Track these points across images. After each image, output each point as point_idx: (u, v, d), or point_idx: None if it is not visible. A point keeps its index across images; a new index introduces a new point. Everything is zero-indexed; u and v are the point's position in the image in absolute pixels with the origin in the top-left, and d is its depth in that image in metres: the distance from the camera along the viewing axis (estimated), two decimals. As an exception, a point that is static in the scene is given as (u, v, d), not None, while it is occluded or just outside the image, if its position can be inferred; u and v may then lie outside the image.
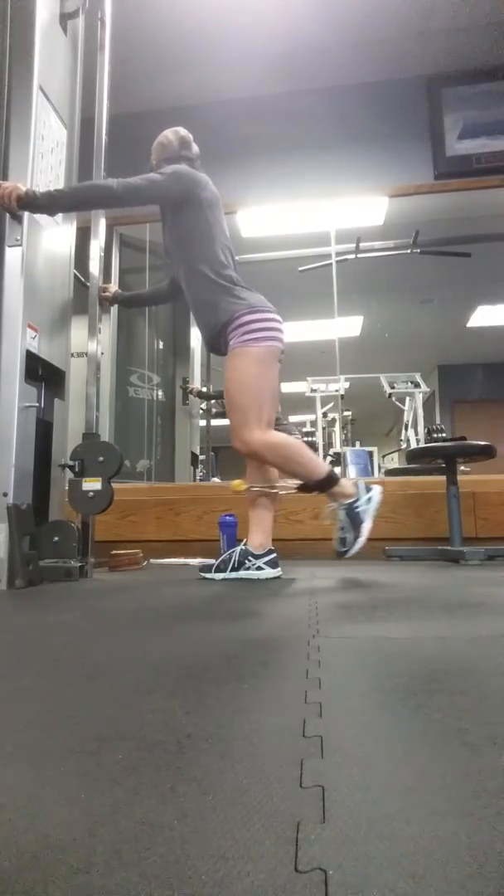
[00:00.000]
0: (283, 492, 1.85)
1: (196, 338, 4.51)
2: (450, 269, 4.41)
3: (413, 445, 4.48)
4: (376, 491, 1.74)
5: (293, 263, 4.12)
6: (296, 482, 1.76)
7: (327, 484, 1.71)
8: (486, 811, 0.32)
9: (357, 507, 1.70)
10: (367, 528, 1.70)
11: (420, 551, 2.50)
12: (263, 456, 1.72)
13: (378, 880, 0.26)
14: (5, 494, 1.66)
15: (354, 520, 1.70)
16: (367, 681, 0.59)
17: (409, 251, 4.17)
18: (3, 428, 1.70)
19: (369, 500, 1.72)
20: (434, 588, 1.44)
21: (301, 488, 1.76)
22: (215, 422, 4.66)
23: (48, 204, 1.70)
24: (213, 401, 4.40)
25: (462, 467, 2.71)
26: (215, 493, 2.90)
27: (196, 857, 0.28)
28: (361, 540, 1.69)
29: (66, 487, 1.93)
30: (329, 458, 5.06)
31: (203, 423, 4.62)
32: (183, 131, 1.97)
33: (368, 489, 1.74)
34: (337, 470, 4.55)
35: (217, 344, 1.83)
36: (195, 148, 1.97)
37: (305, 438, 4.69)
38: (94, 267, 2.10)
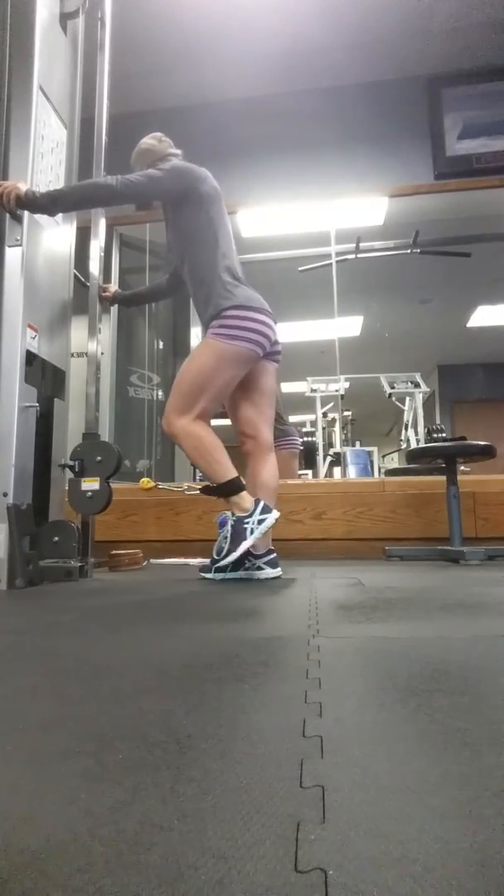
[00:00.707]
0: (189, 493, 1.85)
1: (196, 337, 4.51)
2: (450, 269, 4.42)
3: (413, 445, 4.48)
4: (272, 516, 1.70)
5: (293, 263, 4.12)
6: (199, 485, 1.77)
7: (227, 490, 1.70)
8: (486, 811, 0.32)
9: (245, 524, 1.67)
10: (244, 546, 1.66)
11: (420, 551, 2.50)
12: (180, 442, 1.74)
13: (378, 880, 0.26)
14: (5, 494, 1.66)
15: (237, 534, 1.67)
16: (367, 681, 0.59)
17: (409, 251, 4.17)
18: (3, 428, 1.70)
19: (260, 521, 1.68)
20: (434, 588, 1.44)
21: (204, 490, 1.77)
22: (215, 422, 4.66)
23: (48, 204, 1.70)
24: None
25: (462, 467, 2.72)
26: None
27: (196, 857, 0.28)
28: (234, 555, 1.66)
29: (66, 487, 1.93)
30: (329, 458, 5.06)
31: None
32: (161, 135, 1.97)
33: (267, 511, 1.70)
34: (336, 470, 4.54)
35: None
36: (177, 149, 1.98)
37: (305, 438, 4.69)
38: (94, 267, 2.10)
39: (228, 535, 1.69)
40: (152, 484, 1.86)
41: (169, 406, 1.76)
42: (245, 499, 1.71)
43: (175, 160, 1.88)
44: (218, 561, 1.70)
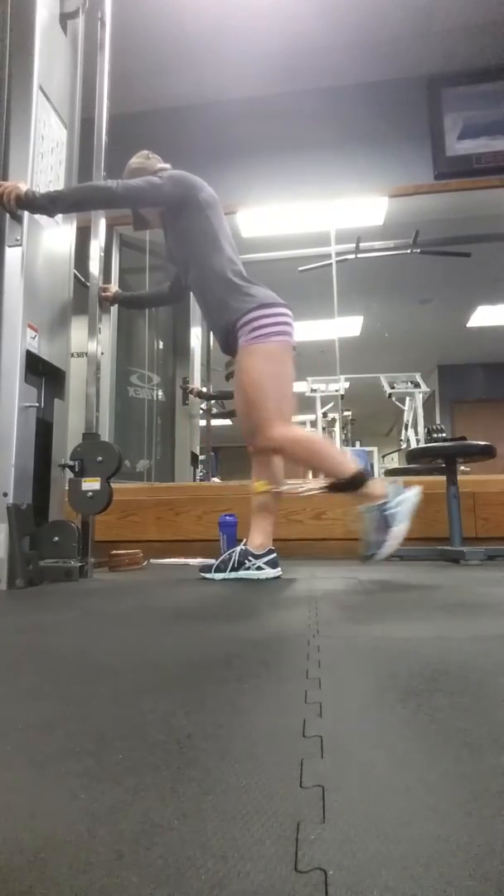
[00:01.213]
0: (309, 493, 1.78)
1: (196, 337, 4.51)
2: (450, 269, 4.42)
3: (413, 445, 4.48)
4: (412, 493, 1.62)
5: (293, 263, 4.12)
6: (322, 482, 1.68)
7: (355, 483, 1.62)
8: (486, 811, 0.32)
9: (387, 510, 1.60)
10: (397, 532, 1.58)
11: (420, 551, 2.50)
12: (290, 451, 1.69)
13: (378, 880, 0.26)
14: (5, 494, 1.66)
15: (384, 522, 1.59)
16: (367, 681, 0.59)
17: (409, 251, 4.17)
18: (3, 428, 1.70)
19: (401, 502, 1.60)
20: (434, 588, 1.44)
21: (329, 488, 1.67)
22: (215, 422, 4.66)
23: (48, 204, 1.70)
24: (213, 401, 4.40)
25: (462, 467, 2.72)
26: (215, 493, 2.90)
27: (196, 857, 0.28)
28: (389, 544, 1.58)
29: (66, 487, 1.93)
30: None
31: (203, 423, 4.62)
32: (148, 152, 1.97)
33: (402, 490, 1.63)
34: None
35: (229, 343, 1.81)
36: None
37: None
38: (94, 267, 2.10)
39: (373, 527, 1.61)
40: (268, 487, 1.80)
41: (258, 423, 1.69)
42: (377, 485, 1.64)
43: (172, 170, 1.88)
44: (371, 556, 1.60)
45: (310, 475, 3.54)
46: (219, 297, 1.77)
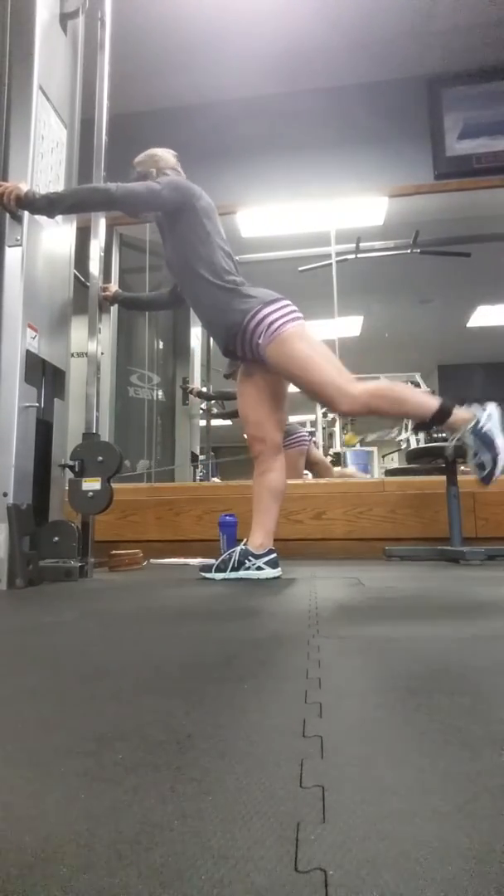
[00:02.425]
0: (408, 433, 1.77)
1: (196, 338, 4.52)
2: (450, 269, 4.41)
3: (413, 445, 4.48)
4: (491, 406, 1.66)
5: (293, 263, 4.12)
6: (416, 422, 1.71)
7: (442, 415, 1.65)
8: (486, 811, 0.32)
9: (482, 427, 1.63)
10: (501, 443, 1.61)
11: (420, 551, 2.50)
12: (373, 408, 1.69)
13: (378, 880, 0.26)
14: (5, 494, 1.66)
15: (485, 440, 1.62)
16: (367, 681, 0.59)
17: (408, 251, 4.17)
18: (3, 428, 1.70)
19: (489, 416, 1.64)
20: (434, 588, 1.44)
21: (418, 427, 1.71)
22: (215, 422, 4.66)
23: (47, 205, 1.70)
24: (213, 401, 4.40)
25: (462, 467, 2.71)
26: (215, 493, 2.90)
27: (196, 857, 0.28)
28: (502, 456, 1.60)
29: (66, 487, 1.93)
30: (329, 458, 5.06)
31: (203, 423, 4.62)
32: (177, 154, 2.00)
33: (484, 409, 1.66)
34: (336, 469, 4.55)
35: (234, 346, 1.80)
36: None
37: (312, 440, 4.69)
38: (94, 267, 2.10)
39: (477, 449, 1.63)
40: (357, 439, 1.83)
41: (331, 399, 1.70)
42: (461, 413, 1.67)
43: (176, 176, 1.88)
44: (491, 472, 1.61)
45: (309, 476, 3.54)
46: (216, 303, 1.77)
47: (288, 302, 1.77)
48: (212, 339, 4.34)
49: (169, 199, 1.79)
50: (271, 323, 1.71)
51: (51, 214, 1.78)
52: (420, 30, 3.35)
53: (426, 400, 1.69)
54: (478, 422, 1.64)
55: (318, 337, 1.77)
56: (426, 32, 3.37)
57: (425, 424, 1.69)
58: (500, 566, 2.09)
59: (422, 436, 4.58)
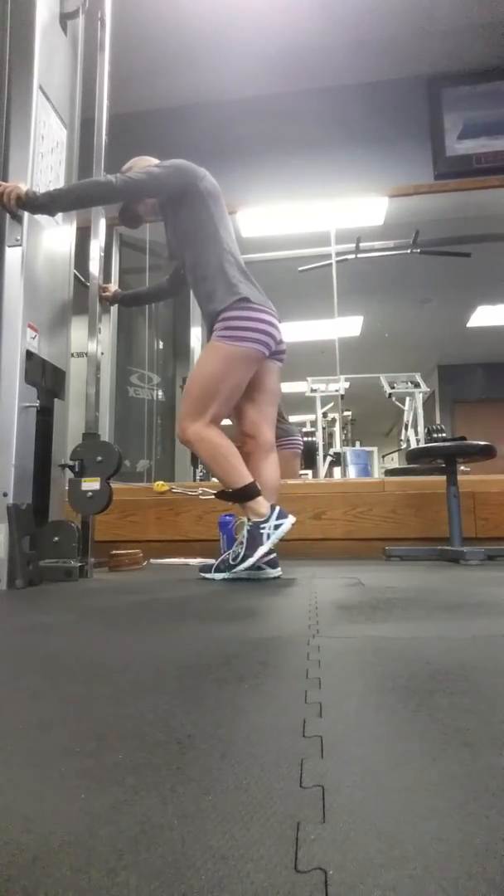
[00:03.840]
0: (203, 497, 1.85)
1: (196, 338, 4.51)
2: (450, 269, 4.42)
3: (413, 445, 4.48)
4: (288, 521, 1.71)
5: (293, 263, 4.12)
6: (212, 489, 1.78)
7: (242, 496, 1.70)
8: (485, 811, 0.32)
9: (261, 529, 1.68)
10: (260, 552, 1.66)
11: (420, 551, 2.50)
12: (195, 448, 1.74)
13: (378, 880, 0.26)
14: (5, 494, 1.66)
15: (253, 539, 1.67)
16: (367, 681, 0.59)
17: (409, 251, 4.17)
18: (3, 428, 1.70)
19: (277, 527, 1.69)
20: (434, 588, 1.44)
21: (219, 494, 1.77)
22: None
23: (48, 203, 1.70)
24: None
25: (462, 467, 2.72)
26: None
27: (196, 857, 0.28)
28: (250, 561, 1.66)
29: (66, 487, 1.93)
30: (329, 458, 5.06)
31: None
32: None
33: (283, 516, 1.71)
34: (336, 470, 4.54)
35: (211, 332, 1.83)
36: None
37: (306, 438, 4.70)
38: (94, 267, 2.10)
39: (245, 540, 1.69)
40: (166, 487, 1.87)
41: (182, 413, 1.75)
42: (261, 504, 1.71)
43: (177, 159, 1.88)
44: (234, 566, 1.69)
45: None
46: (209, 286, 1.77)
47: (263, 316, 1.74)
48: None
49: (172, 182, 1.78)
50: (229, 328, 1.72)
51: (52, 212, 1.78)
52: (420, 30, 3.35)
53: (240, 475, 1.70)
54: (263, 521, 1.68)
55: (246, 372, 1.75)
56: (426, 32, 3.37)
57: (226, 495, 1.73)
58: (500, 566, 2.09)
59: (422, 436, 4.58)
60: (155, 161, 1.96)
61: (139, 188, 1.76)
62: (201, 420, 1.71)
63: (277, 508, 1.72)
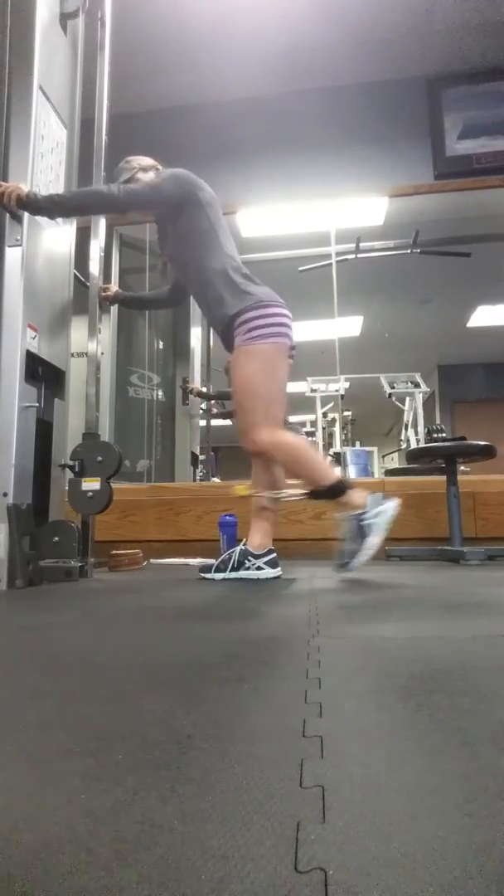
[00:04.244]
0: (289, 499, 1.80)
1: (196, 338, 4.51)
2: (450, 269, 4.42)
3: (413, 445, 4.48)
4: (390, 505, 1.64)
5: (293, 263, 4.12)
6: (302, 490, 1.70)
7: (335, 492, 1.63)
8: (485, 811, 0.32)
9: (364, 520, 1.61)
10: (372, 542, 1.59)
11: (420, 551, 2.50)
12: (273, 456, 1.70)
13: (378, 880, 0.26)
14: (5, 494, 1.66)
15: (359, 533, 1.60)
16: (367, 681, 0.59)
17: (409, 251, 4.17)
18: (3, 428, 1.70)
19: (378, 514, 1.62)
20: (434, 588, 1.44)
21: (309, 495, 1.69)
22: (215, 422, 4.67)
23: (49, 207, 1.70)
24: (213, 401, 4.40)
25: (462, 467, 2.72)
26: (215, 493, 2.90)
27: (196, 857, 0.28)
28: (363, 555, 1.59)
29: (66, 487, 1.93)
30: (329, 458, 5.06)
31: (203, 423, 4.62)
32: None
33: (381, 502, 1.64)
34: (337, 470, 4.55)
35: (228, 339, 1.80)
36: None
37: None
38: (94, 267, 2.10)
39: (349, 535, 1.62)
40: (250, 492, 1.81)
41: (244, 427, 1.70)
42: (356, 495, 1.65)
43: (177, 168, 1.87)
44: (348, 563, 1.62)
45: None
46: (216, 293, 1.76)
47: (281, 311, 1.74)
48: (212, 338, 4.35)
49: (172, 193, 1.78)
50: (252, 328, 1.70)
51: (52, 216, 1.78)
52: (420, 30, 3.35)
53: (326, 472, 1.66)
54: (364, 512, 1.62)
55: (285, 367, 1.74)
56: (426, 32, 3.37)
57: (317, 493, 1.66)
58: (500, 566, 2.09)
59: (422, 435, 4.58)
60: (150, 161, 1.95)
61: (140, 201, 1.77)
62: (266, 427, 1.67)
63: (376, 495, 1.65)
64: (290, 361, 1.89)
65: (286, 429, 2.20)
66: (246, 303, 1.72)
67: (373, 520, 1.61)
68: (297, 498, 1.75)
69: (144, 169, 1.92)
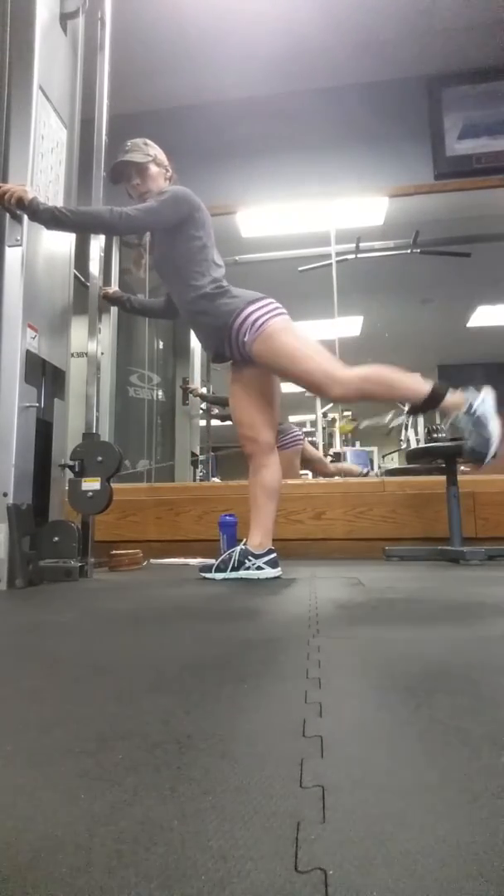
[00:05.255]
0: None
1: (196, 339, 4.52)
2: (450, 269, 4.41)
3: (413, 445, 4.48)
4: (485, 390, 1.66)
5: (293, 263, 4.12)
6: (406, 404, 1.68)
7: (435, 399, 1.65)
8: (485, 811, 0.32)
9: (475, 411, 1.62)
10: (495, 426, 1.60)
11: (420, 551, 2.50)
12: (368, 391, 1.70)
13: (378, 880, 0.26)
14: (5, 494, 1.66)
15: (479, 423, 1.61)
16: (367, 681, 0.59)
17: (409, 251, 4.17)
18: (3, 428, 1.70)
19: (483, 401, 1.63)
20: (434, 588, 1.44)
21: (411, 410, 1.72)
22: (215, 422, 4.67)
23: (48, 219, 1.68)
24: (213, 404, 4.40)
25: (462, 467, 2.71)
26: (215, 493, 2.90)
27: (196, 857, 0.28)
28: (496, 438, 1.59)
29: (66, 487, 1.93)
30: (329, 458, 5.06)
31: (203, 423, 4.62)
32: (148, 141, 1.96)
33: (477, 393, 1.65)
34: (335, 465, 4.53)
35: (223, 349, 1.81)
36: None
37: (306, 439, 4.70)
38: (94, 267, 2.10)
39: (473, 431, 1.62)
40: (351, 426, 1.83)
41: (324, 386, 1.69)
42: (455, 396, 1.66)
43: (177, 187, 1.86)
44: (485, 455, 1.60)
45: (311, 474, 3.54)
46: (204, 307, 1.78)
47: (271, 300, 1.78)
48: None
49: (170, 217, 1.79)
50: (255, 320, 1.72)
51: (49, 228, 1.77)
52: (420, 30, 3.35)
53: (418, 384, 1.68)
54: (471, 405, 1.64)
55: (304, 332, 1.77)
56: (426, 32, 3.37)
57: (418, 407, 1.69)
58: (500, 566, 2.09)
59: (422, 435, 4.58)
60: (165, 159, 1.94)
61: (137, 227, 1.81)
62: (339, 373, 1.68)
63: (468, 390, 1.67)
64: None
65: (281, 428, 2.20)
66: (238, 304, 1.75)
67: (482, 408, 1.63)
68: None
69: (158, 164, 1.91)
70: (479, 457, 1.63)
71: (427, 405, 1.67)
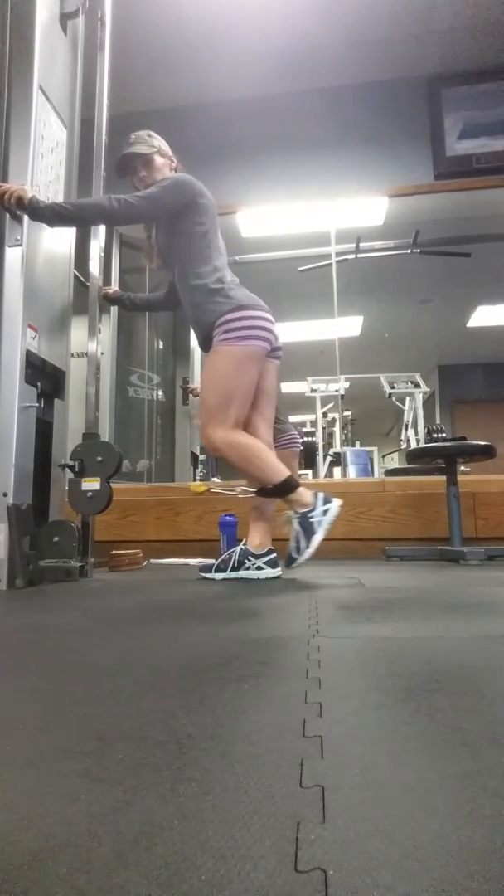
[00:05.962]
0: (242, 495, 1.83)
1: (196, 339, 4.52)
2: (450, 269, 4.42)
3: (413, 445, 4.48)
4: (335, 504, 1.72)
5: (293, 263, 4.12)
6: (255, 486, 1.76)
7: (284, 490, 1.69)
8: (485, 811, 0.32)
9: (311, 518, 1.69)
10: (317, 539, 1.68)
11: (420, 551, 2.50)
12: (225, 454, 1.72)
13: (378, 880, 0.26)
14: (5, 494, 1.66)
15: (306, 530, 1.69)
16: (367, 681, 0.59)
17: (409, 251, 4.17)
18: (3, 428, 1.70)
19: (325, 512, 1.70)
20: (434, 588, 1.44)
21: (259, 492, 1.78)
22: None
23: (50, 216, 1.68)
24: None
25: (462, 467, 2.71)
26: (215, 494, 2.90)
27: (196, 857, 0.28)
28: (309, 551, 1.67)
29: (66, 487, 1.93)
30: (329, 458, 5.07)
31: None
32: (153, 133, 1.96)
33: (328, 501, 1.72)
34: (336, 470, 4.53)
35: (207, 346, 1.82)
36: None
37: (305, 438, 4.70)
38: (94, 267, 2.10)
39: (298, 533, 1.70)
40: (205, 488, 1.86)
41: (203, 423, 1.74)
42: (304, 494, 1.71)
43: (180, 174, 1.86)
44: (296, 559, 1.70)
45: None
46: (200, 299, 1.78)
47: (260, 314, 1.75)
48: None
49: (173, 203, 1.78)
50: (230, 329, 1.72)
51: (50, 224, 1.77)
52: (420, 30, 3.35)
53: (275, 472, 1.70)
54: (311, 510, 1.70)
55: (254, 370, 1.75)
56: (426, 32, 3.37)
57: (266, 491, 1.73)
58: (500, 566, 2.09)
59: (422, 436, 4.58)
60: (169, 150, 1.94)
61: (140, 215, 1.79)
62: (224, 426, 1.70)
63: (322, 494, 1.73)
64: (276, 362, 1.89)
65: (278, 427, 2.20)
66: (226, 307, 1.73)
67: (319, 518, 1.69)
68: (251, 494, 1.78)
69: (163, 155, 1.91)
70: (288, 560, 1.73)
71: (276, 492, 1.72)
